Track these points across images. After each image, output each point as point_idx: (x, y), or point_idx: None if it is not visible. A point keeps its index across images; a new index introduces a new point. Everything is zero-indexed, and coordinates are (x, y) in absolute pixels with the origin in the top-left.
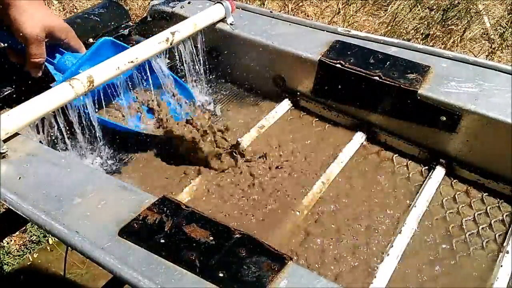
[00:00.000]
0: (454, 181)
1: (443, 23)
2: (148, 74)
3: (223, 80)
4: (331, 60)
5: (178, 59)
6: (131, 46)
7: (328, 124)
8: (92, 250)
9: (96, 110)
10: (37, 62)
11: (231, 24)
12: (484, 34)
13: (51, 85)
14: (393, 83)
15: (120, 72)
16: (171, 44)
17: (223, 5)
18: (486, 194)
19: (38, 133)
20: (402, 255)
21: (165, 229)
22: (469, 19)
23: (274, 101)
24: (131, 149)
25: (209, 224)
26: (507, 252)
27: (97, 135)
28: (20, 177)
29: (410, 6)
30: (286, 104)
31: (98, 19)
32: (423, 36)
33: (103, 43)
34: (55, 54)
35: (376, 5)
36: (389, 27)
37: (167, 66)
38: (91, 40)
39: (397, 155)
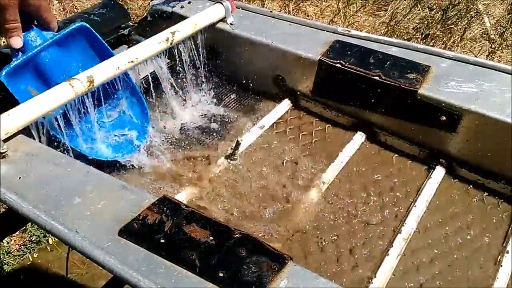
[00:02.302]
0: (454, 181)
1: (443, 23)
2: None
3: (223, 80)
4: (331, 60)
5: (178, 59)
6: (131, 46)
7: (328, 124)
8: (92, 250)
9: None
10: (14, 27)
11: (231, 24)
12: (484, 34)
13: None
14: (393, 83)
15: (120, 72)
16: (171, 44)
17: (223, 5)
18: (486, 194)
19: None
20: (402, 254)
21: (165, 229)
22: (469, 19)
23: (274, 101)
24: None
25: (209, 224)
26: (507, 252)
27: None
28: (20, 177)
29: (410, 6)
30: (286, 104)
31: (98, 19)
32: (423, 36)
33: (78, 28)
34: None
35: (376, 5)
36: (389, 27)
37: (167, 66)
38: None
39: (397, 155)
